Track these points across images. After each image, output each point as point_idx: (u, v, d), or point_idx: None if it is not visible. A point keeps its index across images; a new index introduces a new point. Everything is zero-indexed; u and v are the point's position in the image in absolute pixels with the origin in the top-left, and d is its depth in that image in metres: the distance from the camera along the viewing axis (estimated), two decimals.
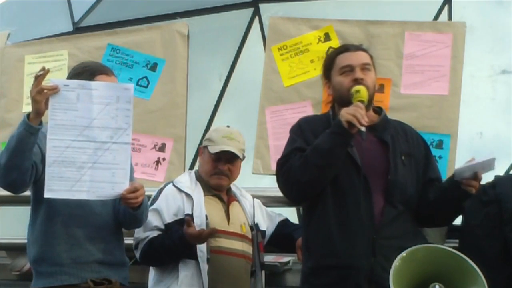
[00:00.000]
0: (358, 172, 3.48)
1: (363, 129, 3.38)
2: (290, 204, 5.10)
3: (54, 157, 3.36)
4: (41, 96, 3.31)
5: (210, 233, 3.86)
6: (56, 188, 3.37)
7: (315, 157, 3.45)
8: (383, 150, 3.58)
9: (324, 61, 3.77)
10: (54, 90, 3.34)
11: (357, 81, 3.56)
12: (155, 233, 3.96)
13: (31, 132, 3.30)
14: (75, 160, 3.38)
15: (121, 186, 3.43)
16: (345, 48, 3.73)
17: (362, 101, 3.45)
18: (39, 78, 3.31)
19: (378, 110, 3.74)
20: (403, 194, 3.53)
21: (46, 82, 3.34)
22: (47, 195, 3.37)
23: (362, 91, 3.48)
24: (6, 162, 3.32)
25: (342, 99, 3.59)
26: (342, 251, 3.38)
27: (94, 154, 3.40)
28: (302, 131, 3.66)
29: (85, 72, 3.62)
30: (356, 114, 3.36)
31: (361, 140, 3.44)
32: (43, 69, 3.33)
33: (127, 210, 3.53)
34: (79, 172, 3.38)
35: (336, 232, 3.46)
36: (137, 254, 4.01)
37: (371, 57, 3.72)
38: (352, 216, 3.45)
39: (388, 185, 3.50)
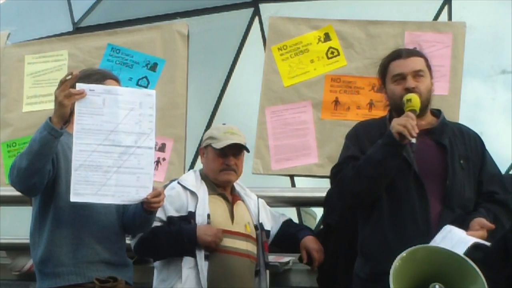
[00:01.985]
0: (413, 177, 3.47)
1: (414, 140, 3.37)
2: (290, 204, 5.12)
3: (81, 161, 3.37)
4: (69, 100, 3.31)
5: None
6: (82, 192, 3.37)
7: (367, 169, 3.45)
8: (441, 153, 3.56)
9: (379, 67, 3.72)
10: (82, 94, 3.35)
11: (409, 90, 3.53)
12: (158, 224, 3.97)
13: (55, 136, 3.30)
14: (101, 164, 3.38)
15: (145, 191, 3.44)
16: (397, 54, 3.68)
17: (413, 110, 3.43)
18: (66, 82, 3.31)
19: (437, 113, 3.70)
20: (461, 198, 3.50)
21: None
22: (73, 199, 3.37)
23: (414, 100, 3.46)
24: (28, 165, 3.31)
25: (396, 107, 3.57)
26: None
27: (119, 158, 3.41)
28: (357, 137, 3.65)
29: (96, 74, 3.66)
30: (407, 125, 3.35)
31: (411, 152, 3.43)
32: (71, 73, 3.33)
33: (142, 214, 3.54)
34: (105, 176, 3.39)
35: (392, 237, 3.45)
36: (134, 242, 3.99)
37: (426, 59, 3.67)
38: (408, 221, 3.44)
39: (446, 189, 3.47)
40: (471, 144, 3.65)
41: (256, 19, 6.25)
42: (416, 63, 3.63)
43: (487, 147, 3.72)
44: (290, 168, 5.49)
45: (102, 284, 3.46)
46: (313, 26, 5.63)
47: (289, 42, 5.63)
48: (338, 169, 3.60)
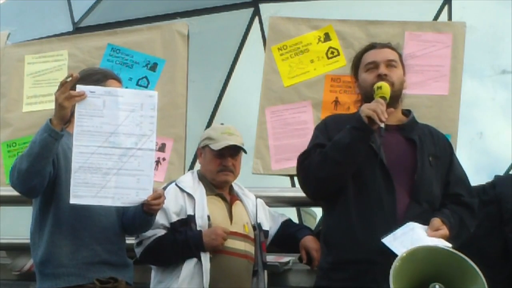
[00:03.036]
0: (381, 168, 3.48)
1: (383, 125, 3.39)
2: (290, 204, 5.12)
3: (80, 163, 3.36)
4: (69, 102, 3.31)
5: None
6: (81, 194, 3.37)
7: (334, 152, 3.46)
8: (410, 149, 3.58)
9: (353, 60, 3.77)
10: (82, 96, 3.35)
11: (381, 77, 3.56)
12: (162, 232, 3.97)
13: (56, 138, 3.30)
14: (100, 166, 3.38)
15: (145, 193, 3.44)
16: (371, 46, 3.74)
17: (384, 97, 3.45)
18: (66, 84, 3.30)
19: (407, 112, 3.73)
20: (429, 193, 3.52)
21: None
22: (73, 201, 3.37)
23: (384, 87, 3.47)
24: (28, 167, 3.30)
25: (367, 96, 3.58)
26: (362, 246, 3.34)
27: (119, 160, 3.40)
28: (326, 128, 3.67)
29: (97, 74, 3.66)
30: (376, 110, 3.36)
31: (378, 137, 3.44)
32: (71, 75, 3.33)
33: (142, 215, 3.54)
34: (104, 178, 3.38)
35: (357, 226, 3.45)
36: (139, 250, 4.00)
37: (400, 55, 3.72)
38: (374, 211, 3.44)
39: (414, 183, 3.48)
40: (440, 144, 3.68)
41: (256, 19, 6.25)
42: (389, 53, 3.68)
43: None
44: (290, 168, 5.48)
45: (102, 285, 3.46)
46: (313, 26, 5.63)
47: (289, 42, 5.63)
48: (305, 156, 3.61)
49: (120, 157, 3.41)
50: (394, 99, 3.57)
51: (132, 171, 3.42)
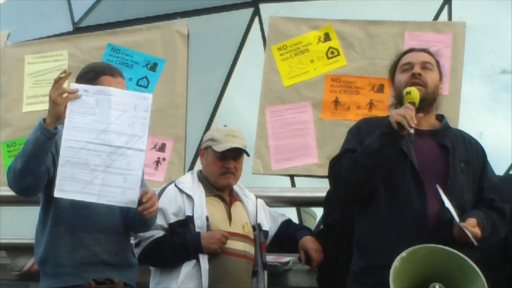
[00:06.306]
0: (413, 173, 3.48)
1: (412, 131, 3.40)
2: (290, 204, 5.12)
3: (68, 157, 3.35)
4: (63, 99, 3.30)
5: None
6: (67, 188, 3.35)
7: (363, 158, 3.47)
8: (443, 155, 3.57)
9: (391, 65, 3.77)
10: (75, 94, 3.34)
11: (415, 76, 3.56)
12: (160, 233, 3.97)
13: (48, 137, 3.29)
14: (88, 162, 3.36)
15: (131, 193, 3.41)
16: (409, 50, 3.76)
17: (413, 103, 3.44)
18: (59, 81, 3.30)
19: (440, 117, 3.73)
20: (460, 199, 3.51)
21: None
22: (57, 194, 3.35)
23: (413, 93, 3.47)
24: (22, 166, 3.30)
25: (400, 97, 3.58)
26: (393, 251, 3.29)
27: (108, 158, 3.37)
28: (359, 132, 3.67)
29: (90, 72, 3.63)
30: (405, 115, 3.36)
31: (408, 142, 3.45)
32: (64, 72, 3.33)
33: (139, 215, 3.52)
34: (91, 174, 3.36)
35: (388, 232, 3.46)
36: (137, 251, 4.00)
37: (437, 61, 3.71)
38: (405, 217, 3.44)
39: (446, 189, 3.46)
40: (472, 151, 3.67)
41: (256, 19, 6.25)
42: (426, 56, 3.68)
43: (487, 147, 3.74)
44: (290, 168, 5.50)
45: (98, 285, 3.45)
46: (313, 26, 5.64)
47: (289, 42, 5.64)
48: (336, 161, 3.62)
49: (109, 155, 3.38)
50: (427, 103, 3.58)
51: (120, 169, 3.39)
